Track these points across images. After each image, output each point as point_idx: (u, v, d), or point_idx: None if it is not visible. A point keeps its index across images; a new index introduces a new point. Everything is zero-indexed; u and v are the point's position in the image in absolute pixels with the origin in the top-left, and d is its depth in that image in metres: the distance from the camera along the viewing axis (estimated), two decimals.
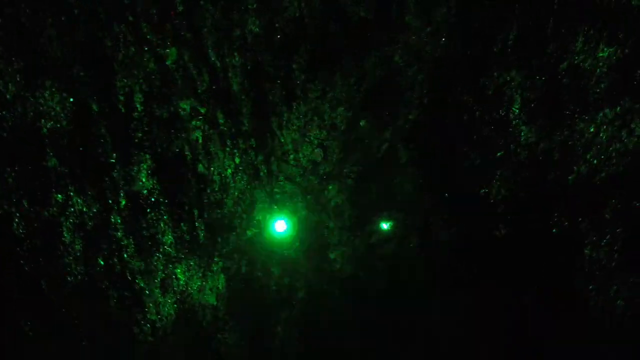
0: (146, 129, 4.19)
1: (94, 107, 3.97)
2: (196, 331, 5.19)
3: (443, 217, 4.66)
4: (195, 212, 4.66)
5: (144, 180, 4.41)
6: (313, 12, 4.88)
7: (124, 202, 4.35)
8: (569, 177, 4.29)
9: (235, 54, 4.40)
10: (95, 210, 4.28)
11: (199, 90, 4.30)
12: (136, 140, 4.19)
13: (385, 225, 4.70)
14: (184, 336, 5.13)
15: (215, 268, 5.01)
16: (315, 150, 4.98)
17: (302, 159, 4.88)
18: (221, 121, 4.51)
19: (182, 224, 4.65)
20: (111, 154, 4.18)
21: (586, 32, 4.46)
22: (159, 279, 4.78)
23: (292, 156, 4.91)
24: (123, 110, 4.07)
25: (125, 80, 3.99)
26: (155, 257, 4.68)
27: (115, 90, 4.00)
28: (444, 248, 4.70)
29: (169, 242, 4.65)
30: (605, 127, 4.21)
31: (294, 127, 4.77)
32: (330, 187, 4.93)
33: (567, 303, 4.73)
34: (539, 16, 4.61)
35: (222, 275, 4.99)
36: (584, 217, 4.40)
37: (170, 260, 4.77)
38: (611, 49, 4.40)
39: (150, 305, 4.96)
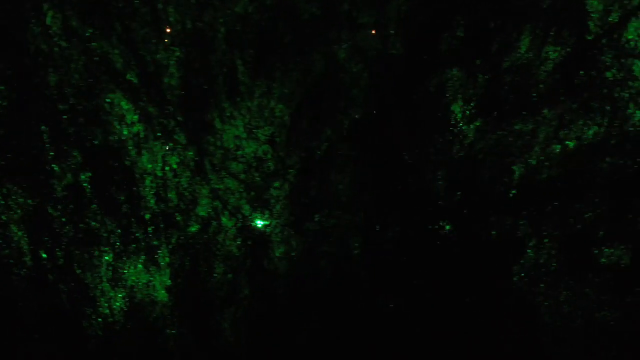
0: (80, 123, 4.19)
1: (27, 100, 3.98)
2: (145, 326, 5.18)
3: (384, 216, 4.62)
4: (136, 207, 4.65)
5: (82, 176, 4.41)
6: (263, 8, 4.85)
7: (61, 195, 4.35)
8: (506, 178, 4.23)
9: (176, 48, 4.39)
10: (32, 202, 4.29)
11: (137, 84, 4.29)
12: (71, 135, 4.19)
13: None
14: (132, 331, 5.12)
15: (162, 263, 4.99)
16: (263, 147, 4.95)
17: (247, 156, 4.85)
18: (161, 117, 4.49)
19: (123, 219, 4.64)
20: (47, 148, 4.19)
21: (532, 31, 4.40)
22: (102, 273, 4.77)
23: (239, 152, 4.88)
24: (57, 105, 4.07)
25: (58, 75, 3.98)
26: (97, 252, 4.68)
27: (47, 85, 4.00)
28: (385, 247, 4.65)
29: (110, 236, 4.65)
30: (544, 127, 4.14)
31: (239, 123, 4.75)
32: (276, 184, 4.90)
33: (511, 304, 4.67)
34: (485, 16, 4.54)
35: (167, 271, 4.98)
36: (524, 218, 4.34)
37: (113, 254, 4.77)
38: (557, 48, 4.34)
39: (101, 299, 4.96)
